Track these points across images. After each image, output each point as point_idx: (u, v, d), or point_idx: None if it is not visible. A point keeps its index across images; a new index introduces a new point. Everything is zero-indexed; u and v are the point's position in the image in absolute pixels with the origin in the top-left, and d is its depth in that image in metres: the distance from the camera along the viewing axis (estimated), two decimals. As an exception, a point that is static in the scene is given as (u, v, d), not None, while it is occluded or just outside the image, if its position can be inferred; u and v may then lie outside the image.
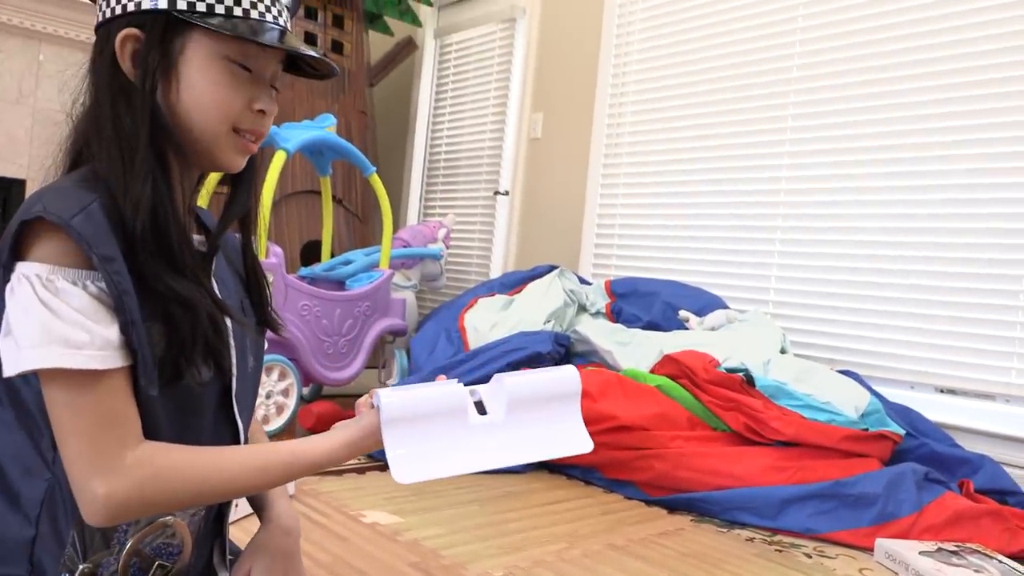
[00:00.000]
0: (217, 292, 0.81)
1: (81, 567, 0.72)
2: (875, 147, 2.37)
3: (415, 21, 3.89)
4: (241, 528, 1.29)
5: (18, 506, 0.71)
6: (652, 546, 1.56)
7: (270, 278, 2.01)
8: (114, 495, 0.66)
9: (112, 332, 0.68)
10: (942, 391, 2.20)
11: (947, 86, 2.23)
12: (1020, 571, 1.47)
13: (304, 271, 2.78)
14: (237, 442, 0.83)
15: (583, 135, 3.28)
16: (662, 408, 1.95)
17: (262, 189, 2.17)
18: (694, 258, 2.83)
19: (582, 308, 2.73)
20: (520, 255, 3.52)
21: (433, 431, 0.80)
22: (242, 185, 0.85)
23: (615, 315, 2.65)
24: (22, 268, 0.67)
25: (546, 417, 0.87)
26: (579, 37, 3.36)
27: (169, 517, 0.77)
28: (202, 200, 0.91)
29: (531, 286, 2.77)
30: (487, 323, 2.58)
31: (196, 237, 0.82)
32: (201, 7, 0.73)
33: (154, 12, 0.73)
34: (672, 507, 1.84)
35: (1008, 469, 1.94)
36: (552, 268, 2.86)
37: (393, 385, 2.76)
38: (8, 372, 0.66)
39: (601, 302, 2.70)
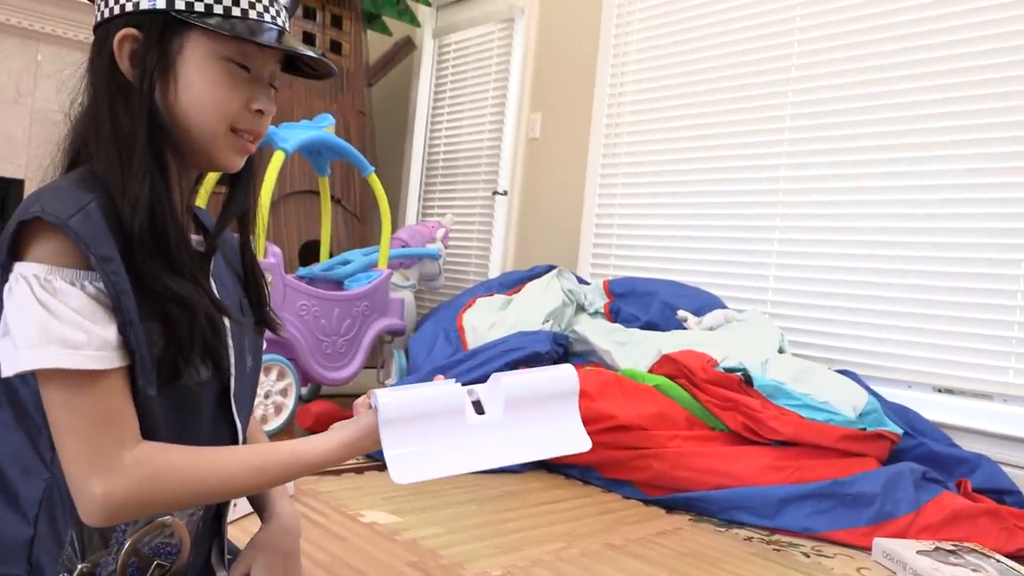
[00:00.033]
0: (215, 292, 0.81)
1: (79, 567, 0.72)
2: (873, 147, 2.38)
3: (413, 21, 3.89)
4: (240, 528, 1.29)
5: (16, 506, 0.71)
6: (650, 545, 1.56)
7: (268, 278, 2.01)
8: (112, 495, 0.66)
9: (110, 332, 0.68)
10: (940, 391, 2.20)
11: (945, 86, 2.24)
12: (1017, 570, 1.47)
13: (302, 271, 2.78)
14: (235, 442, 0.83)
15: (581, 135, 3.29)
16: (660, 408, 1.95)
17: (260, 189, 2.17)
18: (692, 258, 2.83)
19: (580, 308, 2.73)
20: (518, 255, 3.52)
21: (431, 431, 0.80)
22: (240, 185, 0.85)
23: (613, 315, 2.65)
24: (20, 268, 0.67)
25: (544, 416, 0.87)
26: (577, 37, 3.36)
27: (167, 517, 0.77)
28: (201, 200, 0.91)
29: (529, 286, 2.78)
30: (485, 323, 2.58)
31: (194, 237, 0.82)
32: (199, 7, 0.73)
33: (152, 12, 0.73)
34: (670, 506, 1.84)
35: (1006, 468, 1.94)
36: (550, 268, 2.86)
37: (391, 385, 2.76)
38: (6, 372, 0.66)
39: (599, 302, 2.70)
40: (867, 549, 1.62)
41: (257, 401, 2.12)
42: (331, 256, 2.93)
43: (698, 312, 2.49)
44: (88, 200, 0.69)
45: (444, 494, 1.77)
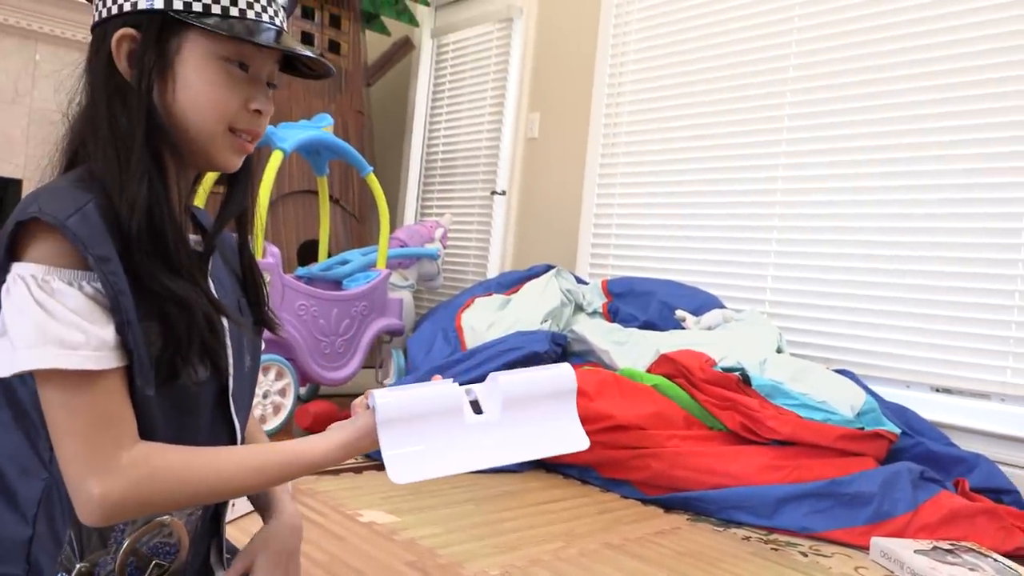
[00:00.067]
0: (214, 292, 0.81)
1: (78, 566, 0.72)
2: (871, 147, 2.38)
3: (412, 21, 3.89)
4: (238, 527, 1.29)
5: (15, 506, 0.71)
6: (648, 545, 1.56)
7: (267, 278, 2.01)
8: (109, 495, 0.66)
9: (108, 332, 0.68)
10: (938, 390, 2.20)
11: (944, 86, 2.24)
12: (1015, 569, 1.48)
13: (301, 271, 2.78)
14: (234, 441, 0.83)
15: (580, 135, 3.29)
16: (658, 407, 1.95)
17: (259, 189, 2.17)
18: (691, 258, 2.84)
19: (579, 308, 2.74)
20: (517, 255, 3.53)
21: (429, 431, 0.80)
22: (238, 185, 0.85)
23: (612, 315, 2.65)
24: (18, 269, 0.67)
25: (542, 415, 0.87)
26: (576, 37, 3.36)
27: (166, 516, 0.77)
28: (199, 200, 0.91)
29: (528, 286, 2.78)
30: (484, 323, 2.58)
31: (193, 237, 0.82)
32: (197, 7, 0.73)
33: (150, 12, 0.73)
34: (668, 506, 1.84)
35: (1003, 468, 1.95)
36: (549, 268, 2.86)
37: (390, 385, 2.76)
38: (4, 373, 0.66)
39: (598, 302, 2.71)
40: (865, 548, 1.62)
41: (255, 401, 2.11)
42: (330, 256, 2.93)
43: (696, 312, 2.49)
44: (86, 200, 0.69)
45: (442, 494, 1.77)
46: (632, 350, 2.29)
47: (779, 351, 2.23)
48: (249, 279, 0.91)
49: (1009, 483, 1.89)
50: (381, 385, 2.86)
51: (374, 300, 2.65)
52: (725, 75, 2.79)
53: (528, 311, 2.58)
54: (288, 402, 2.31)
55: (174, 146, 0.76)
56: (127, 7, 0.74)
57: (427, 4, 4.01)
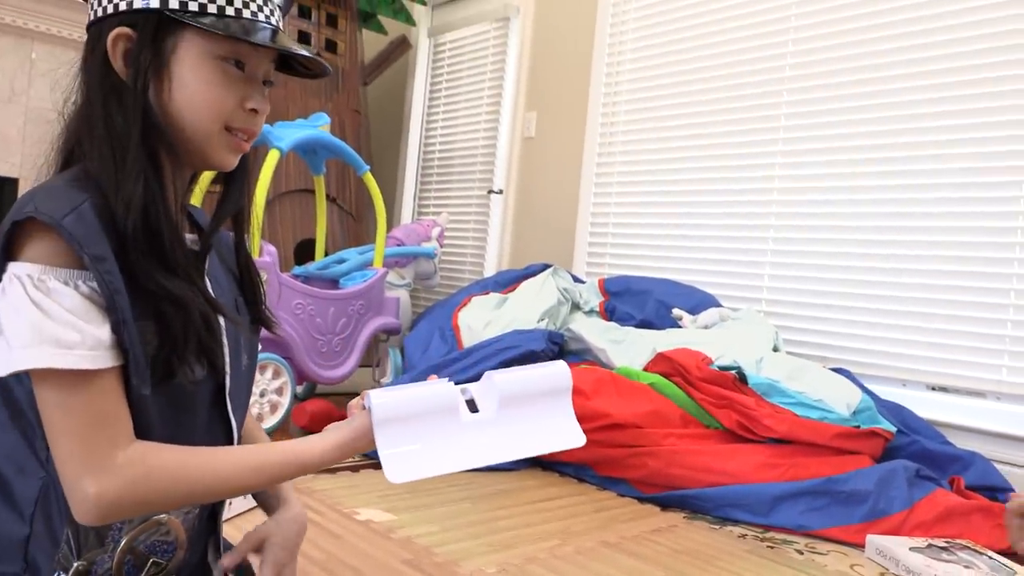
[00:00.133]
0: (210, 290, 0.81)
1: (75, 565, 0.72)
2: (868, 146, 2.38)
3: (409, 20, 3.89)
4: (235, 526, 1.29)
5: (12, 504, 0.71)
6: (645, 543, 1.57)
7: (264, 276, 2.01)
8: (105, 494, 0.67)
9: (103, 332, 0.68)
10: (933, 388, 2.21)
11: (940, 85, 2.24)
12: (1009, 567, 1.48)
13: (298, 270, 2.78)
14: (231, 440, 0.84)
15: (577, 134, 3.29)
16: (655, 406, 1.95)
17: (255, 188, 2.17)
18: (687, 256, 2.84)
19: (576, 306, 2.74)
20: (514, 253, 3.53)
21: (425, 430, 0.80)
22: (235, 184, 0.85)
23: (608, 313, 2.65)
24: (13, 268, 0.67)
25: (537, 412, 0.87)
26: (573, 36, 3.36)
27: (163, 515, 0.77)
28: (196, 199, 0.91)
29: (525, 284, 2.78)
30: (481, 321, 2.58)
31: (189, 236, 0.82)
32: (193, 6, 0.73)
33: (146, 11, 0.73)
34: (665, 504, 1.84)
35: (998, 466, 1.95)
36: (546, 266, 2.87)
37: (387, 384, 2.76)
38: (0, 372, 0.66)
39: (595, 300, 2.71)
40: (860, 546, 1.63)
41: (252, 400, 2.12)
42: (326, 255, 2.93)
43: (693, 310, 2.49)
44: (82, 200, 0.69)
45: (439, 492, 1.77)
46: (629, 349, 2.30)
47: (775, 350, 2.24)
48: (246, 278, 0.91)
49: (1004, 481, 1.90)
50: (378, 384, 2.86)
51: (371, 299, 2.65)
52: (721, 74, 2.79)
53: (525, 310, 2.58)
54: (285, 401, 2.31)
55: (170, 145, 0.76)
56: (123, 6, 0.73)
57: (424, 3, 4.01)
